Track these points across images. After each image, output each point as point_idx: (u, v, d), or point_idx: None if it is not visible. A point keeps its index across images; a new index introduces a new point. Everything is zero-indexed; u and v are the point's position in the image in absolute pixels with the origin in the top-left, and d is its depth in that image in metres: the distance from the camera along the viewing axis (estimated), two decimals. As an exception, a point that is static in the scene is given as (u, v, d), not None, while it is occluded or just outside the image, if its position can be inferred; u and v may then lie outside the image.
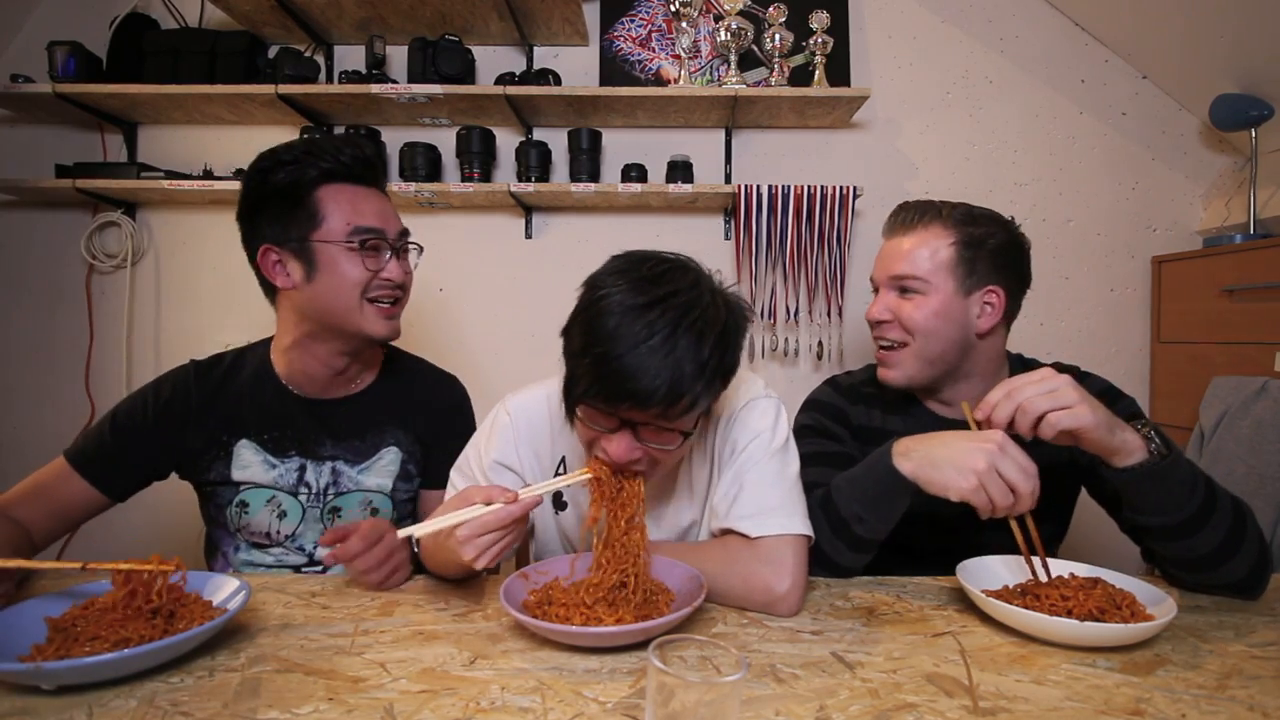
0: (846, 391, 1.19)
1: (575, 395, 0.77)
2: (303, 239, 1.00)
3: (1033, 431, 0.82)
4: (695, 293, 0.75)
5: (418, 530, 0.77)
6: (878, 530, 0.90)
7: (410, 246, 1.09)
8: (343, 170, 1.02)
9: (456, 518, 0.74)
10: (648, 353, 0.70)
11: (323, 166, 1.00)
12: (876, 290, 1.14)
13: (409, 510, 1.15)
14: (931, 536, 1.02)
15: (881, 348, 1.12)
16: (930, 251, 1.06)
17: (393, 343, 1.15)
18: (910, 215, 1.09)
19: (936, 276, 1.05)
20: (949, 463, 0.81)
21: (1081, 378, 1.08)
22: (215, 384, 1.09)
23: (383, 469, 1.11)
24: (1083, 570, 0.84)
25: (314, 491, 1.08)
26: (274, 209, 1.01)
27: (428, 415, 1.15)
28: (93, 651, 0.64)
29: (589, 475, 0.80)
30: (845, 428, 1.14)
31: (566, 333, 0.79)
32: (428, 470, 1.15)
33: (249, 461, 1.07)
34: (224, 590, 0.77)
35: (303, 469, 1.08)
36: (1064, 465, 1.05)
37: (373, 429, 1.11)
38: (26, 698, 0.60)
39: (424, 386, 1.18)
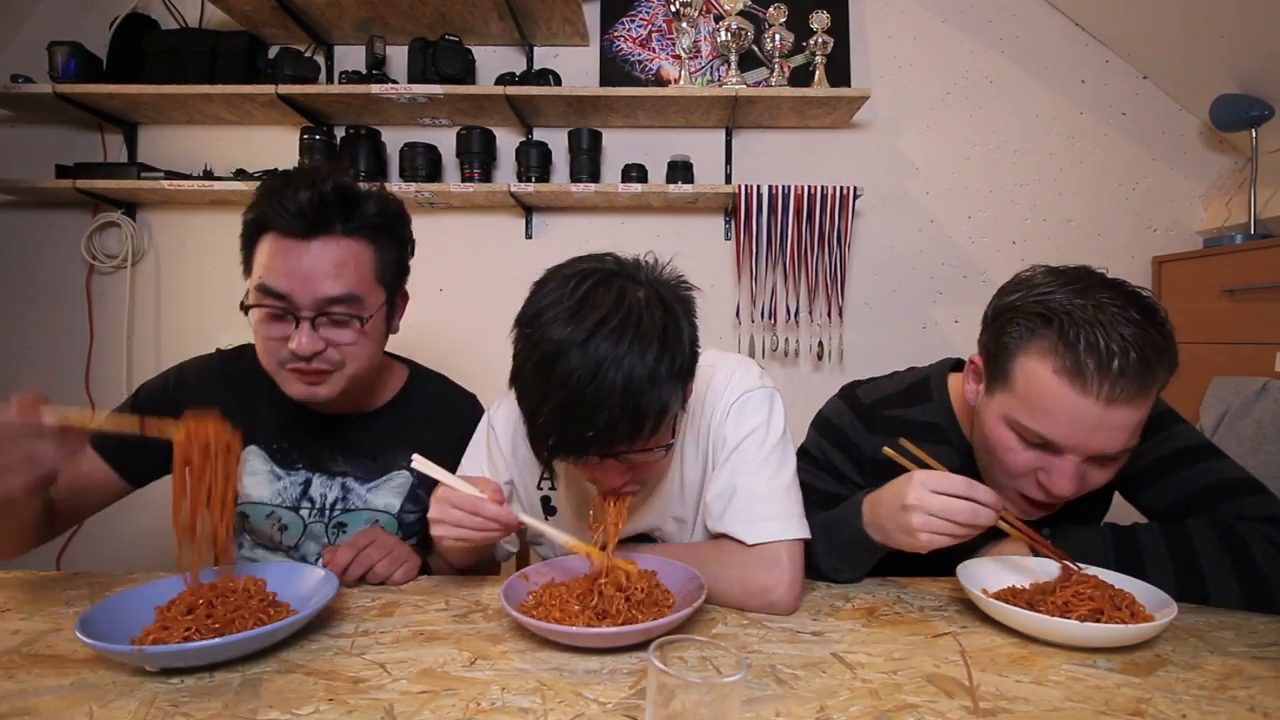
0: (866, 414, 1.03)
1: (545, 455, 0.76)
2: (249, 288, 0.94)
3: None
4: (624, 307, 0.71)
5: (426, 468, 0.83)
6: (858, 575, 0.91)
7: (342, 317, 0.93)
8: (282, 218, 0.90)
9: (459, 483, 0.81)
10: (594, 395, 0.68)
11: (264, 211, 0.91)
12: (1044, 448, 0.82)
13: (415, 531, 1.10)
14: None
15: (1027, 497, 0.87)
16: (1146, 412, 0.82)
17: (412, 359, 1.13)
18: (1136, 372, 0.77)
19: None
20: (893, 527, 0.81)
21: None
22: (236, 381, 1.06)
23: (392, 489, 1.07)
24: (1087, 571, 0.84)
25: (318, 506, 1.05)
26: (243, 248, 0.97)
27: (446, 443, 1.06)
28: (191, 638, 0.68)
29: (585, 551, 0.80)
30: (854, 462, 1.01)
31: (515, 384, 0.76)
32: None
33: (256, 469, 1.04)
34: (311, 582, 0.81)
35: (308, 483, 1.05)
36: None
37: (386, 450, 1.07)
38: (28, 698, 0.61)
39: (441, 414, 1.12)
